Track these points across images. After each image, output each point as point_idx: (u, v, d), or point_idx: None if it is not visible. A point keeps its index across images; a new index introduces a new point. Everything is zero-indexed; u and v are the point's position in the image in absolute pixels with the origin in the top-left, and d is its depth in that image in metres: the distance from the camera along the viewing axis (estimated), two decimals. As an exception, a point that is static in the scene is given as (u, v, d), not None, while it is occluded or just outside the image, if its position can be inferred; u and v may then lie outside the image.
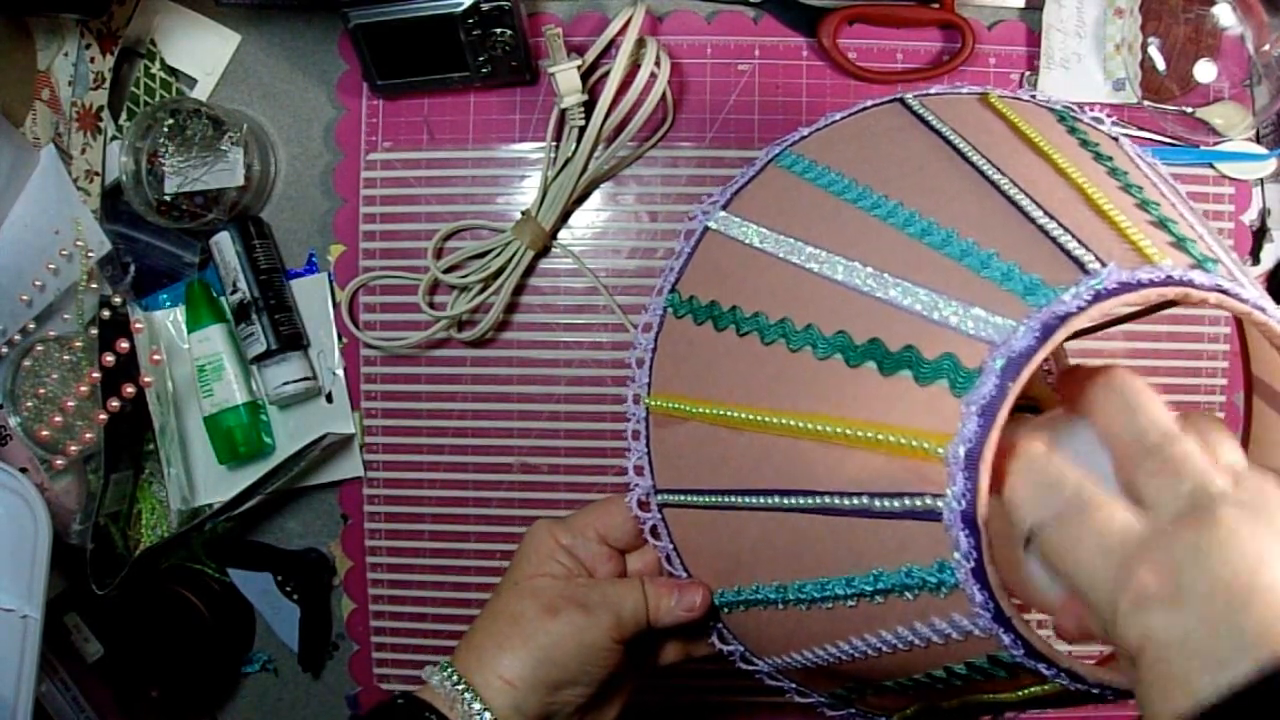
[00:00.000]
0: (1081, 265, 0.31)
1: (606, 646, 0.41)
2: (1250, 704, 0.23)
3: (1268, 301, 0.31)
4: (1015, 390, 0.29)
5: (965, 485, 0.29)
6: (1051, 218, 0.33)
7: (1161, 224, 0.33)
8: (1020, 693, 0.34)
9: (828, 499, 0.33)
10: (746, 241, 0.40)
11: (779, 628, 0.38)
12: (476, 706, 0.39)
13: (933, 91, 0.43)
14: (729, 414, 0.38)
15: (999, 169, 0.35)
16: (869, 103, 0.44)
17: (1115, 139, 0.40)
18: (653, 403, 0.43)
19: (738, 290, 0.39)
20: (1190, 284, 0.30)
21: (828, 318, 0.35)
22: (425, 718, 0.39)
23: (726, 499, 0.38)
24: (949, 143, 0.38)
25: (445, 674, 0.40)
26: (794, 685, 0.43)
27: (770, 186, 0.42)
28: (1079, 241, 0.31)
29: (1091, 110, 0.42)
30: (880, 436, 0.32)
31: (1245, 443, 0.40)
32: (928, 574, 0.31)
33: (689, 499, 0.41)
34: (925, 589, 0.31)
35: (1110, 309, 0.29)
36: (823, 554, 0.34)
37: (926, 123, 0.39)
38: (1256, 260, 0.59)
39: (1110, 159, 0.37)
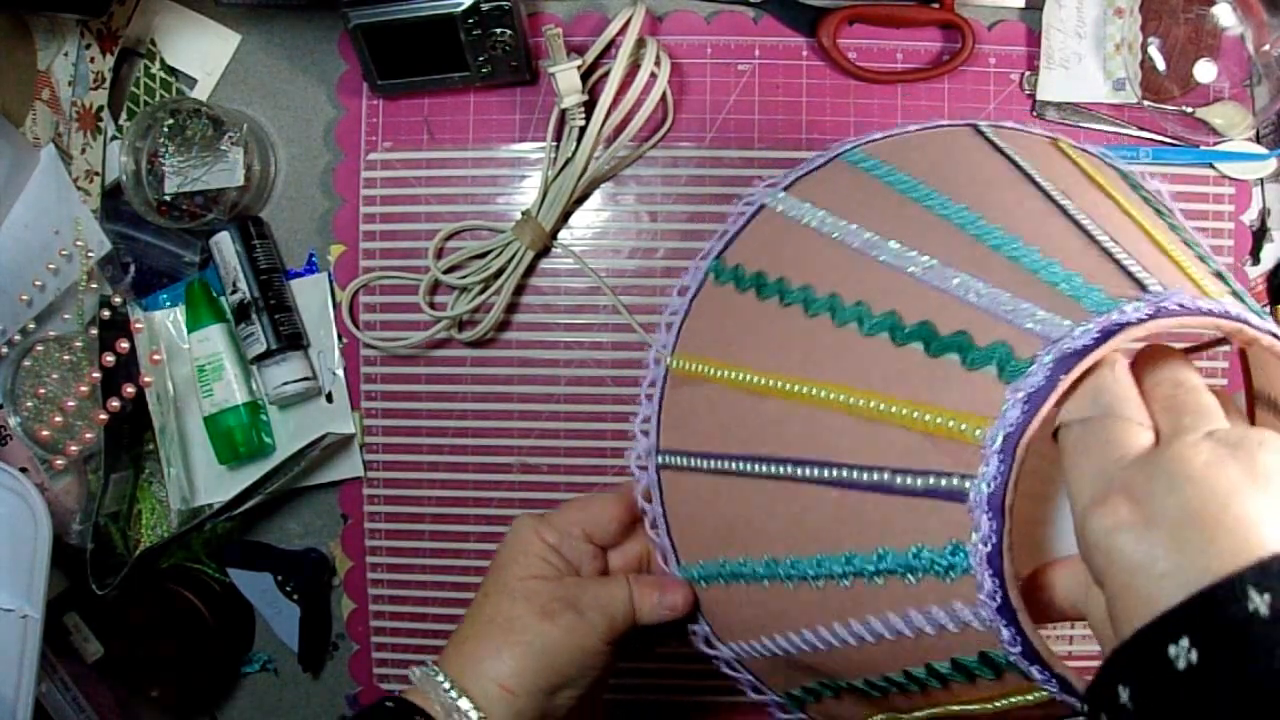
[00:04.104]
0: (1143, 286, 0.31)
1: (600, 649, 0.41)
2: (1203, 607, 0.24)
3: None
4: (1065, 384, 0.29)
5: (999, 469, 0.29)
6: (1116, 243, 0.33)
7: (1220, 276, 0.34)
8: (996, 703, 0.33)
9: (846, 471, 0.33)
10: (804, 221, 0.40)
11: (757, 607, 0.38)
12: (475, 715, 0.38)
13: (1007, 125, 0.43)
14: (754, 379, 0.37)
15: (1066, 195, 0.36)
16: (943, 121, 0.45)
17: (1170, 209, 0.41)
18: (675, 363, 0.43)
19: (788, 264, 0.39)
20: (1246, 322, 0.30)
21: (879, 298, 0.35)
22: None
23: (734, 464, 0.38)
24: (1019, 167, 0.38)
25: (438, 679, 0.39)
26: (751, 678, 0.43)
27: (835, 178, 0.42)
28: (1143, 268, 0.32)
29: (1149, 180, 0.43)
30: (916, 414, 0.32)
31: None
32: (938, 555, 0.31)
33: (692, 462, 0.40)
34: (931, 571, 0.31)
35: (1166, 328, 0.30)
36: (827, 528, 0.34)
37: (998, 147, 0.40)
38: (1256, 260, 0.59)
39: (1170, 214, 0.38)
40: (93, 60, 0.61)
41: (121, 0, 0.60)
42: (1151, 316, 0.29)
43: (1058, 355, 0.29)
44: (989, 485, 0.29)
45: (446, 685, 0.39)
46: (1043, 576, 0.33)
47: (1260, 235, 0.59)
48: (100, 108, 0.61)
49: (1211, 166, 0.59)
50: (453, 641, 0.41)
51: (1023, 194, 0.37)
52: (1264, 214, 0.59)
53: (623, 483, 0.45)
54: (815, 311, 0.36)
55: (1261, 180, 0.59)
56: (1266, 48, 0.57)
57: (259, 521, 0.63)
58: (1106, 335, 0.29)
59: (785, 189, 0.43)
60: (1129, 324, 0.29)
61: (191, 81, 0.62)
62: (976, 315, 0.32)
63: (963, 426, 0.30)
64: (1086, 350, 0.29)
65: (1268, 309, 0.60)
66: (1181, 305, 0.30)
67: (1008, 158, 0.39)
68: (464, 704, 0.38)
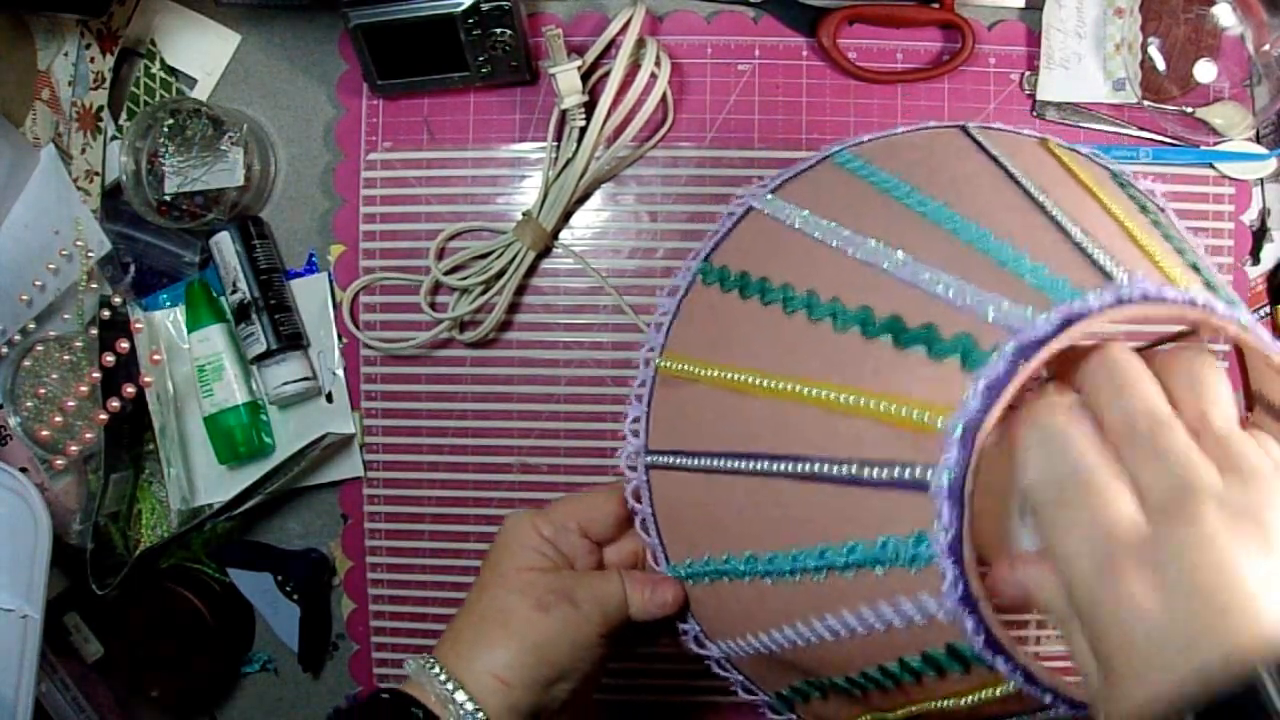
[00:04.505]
0: (1109, 276, 0.31)
1: (594, 641, 0.41)
2: (1219, 695, 0.24)
3: None
4: (1025, 373, 0.29)
5: (959, 457, 0.29)
6: (1088, 235, 0.34)
7: (1194, 268, 0.35)
8: (968, 698, 0.34)
9: (818, 465, 0.34)
10: (788, 222, 0.41)
11: (740, 604, 0.39)
12: (470, 706, 0.38)
13: (995, 126, 0.44)
14: (737, 378, 0.38)
15: (1045, 193, 0.36)
16: (931, 123, 0.45)
17: (1162, 209, 0.41)
18: (663, 364, 0.43)
19: (770, 264, 0.40)
20: (1212, 310, 0.31)
21: (853, 294, 0.35)
22: (413, 713, 0.38)
23: (717, 462, 0.38)
24: (1002, 167, 0.39)
25: (434, 671, 0.39)
26: (742, 678, 0.43)
27: (821, 179, 0.43)
28: (1110, 258, 0.32)
29: (1144, 179, 0.43)
30: (883, 406, 0.32)
31: None
32: (903, 546, 0.31)
33: (678, 461, 0.41)
34: (898, 562, 0.31)
35: (1129, 316, 0.30)
36: (802, 523, 0.35)
37: (984, 148, 0.40)
38: (1256, 260, 0.59)
39: (1154, 213, 0.38)
40: (93, 60, 0.61)
41: (121, 0, 0.60)
42: (1114, 305, 0.30)
43: (1018, 344, 0.30)
44: (950, 473, 0.29)
45: (443, 677, 0.39)
46: (1021, 569, 0.32)
47: (1260, 235, 0.59)
48: (100, 108, 0.61)
49: (1211, 166, 0.59)
50: (448, 634, 0.41)
51: (1001, 190, 0.37)
52: (1264, 214, 0.59)
53: (621, 479, 0.46)
54: (793, 309, 0.37)
55: (1261, 180, 0.59)
56: (1266, 48, 0.57)
57: (259, 521, 0.63)
58: (1067, 323, 0.29)
59: (772, 191, 0.44)
60: (1091, 312, 0.29)
61: (191, 81, 0.62)
62: (944, 308, 0.33)
63: (926, 416, 0.31)
64: (1047, 338, 0.29)
65: (1267, 309, 0.60)
66: (1145, 294, 0.30)
67: (991, 156, 0.40)
68: (460, 696, 0.38)
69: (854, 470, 0.33)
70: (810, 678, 0.39)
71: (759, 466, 0.36)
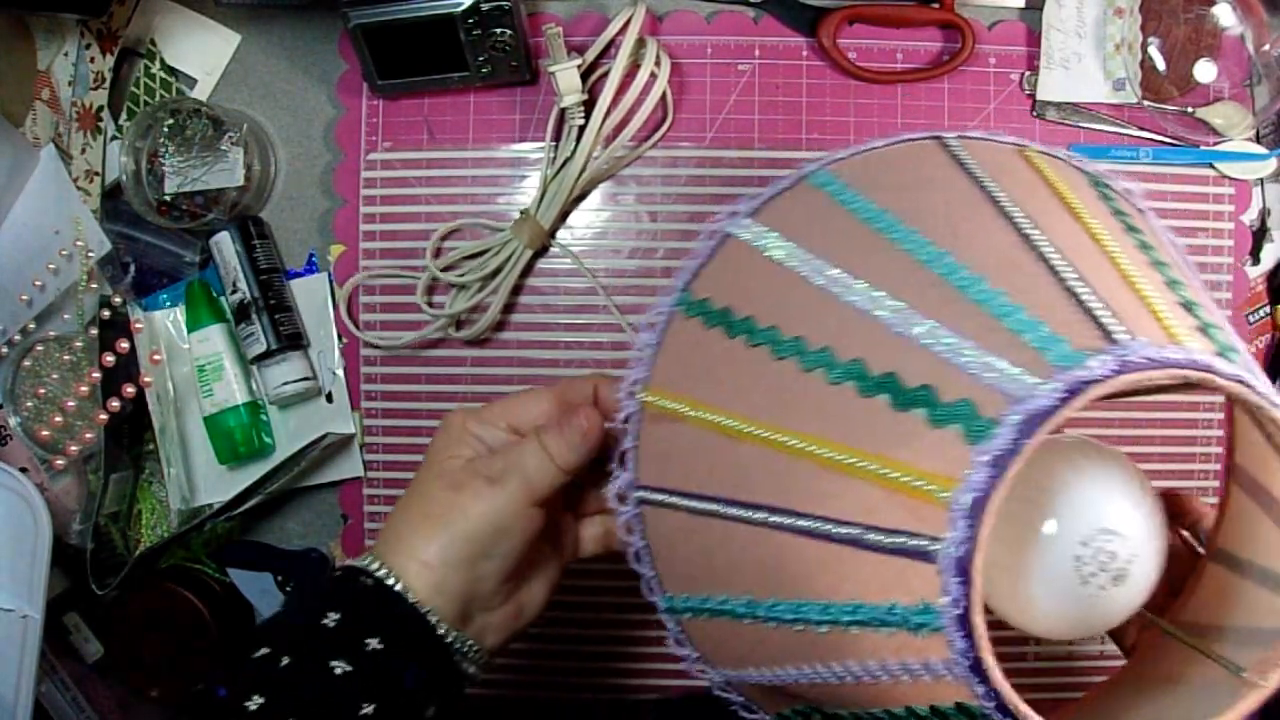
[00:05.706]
0: (1109, 334, 0.31)
1: (521, 513, 0.40)
2: None
3: None
4: (1030, 448, 0.29)
5: (966, 533, 0.29)
6: (1083, 281, 0.33)
7: (1188, 306, 0.34)
8: None
9: (819, 524, 0.33)
10: (769, 254, 0.39)
11: (740, 641, 0.38)
12: (399, 588, 0.39)
13: (973, 135, 0.43)
14: (728, 423, 0.37)
15: (1034, 224, 0.35)
16: (907, 135, 0.44)
17: (1142, 211, 0.40)
18: (649, 398, 0.42)
19: (753, 301, 0.39)
20: (1212, 370, 0.30)
21: (844, 343, 0.34)
22: (361, 582, 0.39)
23: (712, 506, 0.37)
24: (985, 190, 0.38)
25: (365, 562, 0.40)
26: (742, 700, 0.43)
27: (801, 203, 0.42)
28: (1109, 310, 0.32)
29: (1121, 180, 0.42)
30: (883, 471, 0.31)
31: (1217, 525, 0.40)
32: (910, 613, 0.30)
33: (672, 500, 0.40)
34: (905, 627, 0.31)
35: (1133, 382, 0.29)
36: (802, 576, 0.34)
37: (964, 167, 0.39)
38: (1257, 260, 0.59)
39: (1140, 232, 0.38)
40: (93, 60, 0.61)
41: (121, 0, 0.60)
42: (1117, 372, 0.29)
43: (1023, 416, 0.29)
44: (957, 549, 0.29)
45: (375, 566, 0.40)
46: None
47: (1260, 235, 0.59)
48: (100, 108, 0.61)
49: (1211, 166, 0.59)
50: (383, 530, 0.42)
51: (988, 225, 0.36)
52: (1264, 214, 0.59)
53: (558, 379, 0.46)
54: (782, 354, 0.36)
55: (1261, 180, 0.59)
56: (1266, 48, 0.57)
57: (259, 521, 0.63)
58: (1071, 395, 0.29)
59: (751, 215, 0.42)
60: (1095, 381, 0.29)
61: (191, 81, 0.62)
62: (941, 367, 0.32)
63: (929, 487, 0.30)
64: (1051, 411, 0.29)
65: (1267, 309, 0.60)
66: (1148, 359, 0.29)
67: (974, 178, 0.38)
68: (389, 580, 0.39)
69: (855, 533, 0.32)
70: (813, 706, 0.39)
71: (755, 517, 0.35)
